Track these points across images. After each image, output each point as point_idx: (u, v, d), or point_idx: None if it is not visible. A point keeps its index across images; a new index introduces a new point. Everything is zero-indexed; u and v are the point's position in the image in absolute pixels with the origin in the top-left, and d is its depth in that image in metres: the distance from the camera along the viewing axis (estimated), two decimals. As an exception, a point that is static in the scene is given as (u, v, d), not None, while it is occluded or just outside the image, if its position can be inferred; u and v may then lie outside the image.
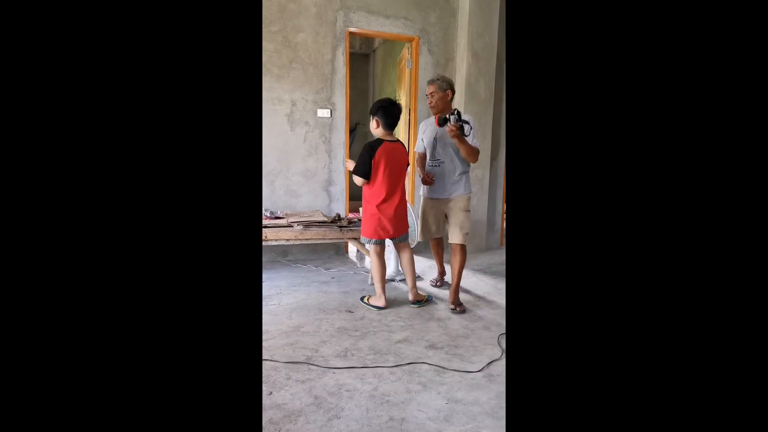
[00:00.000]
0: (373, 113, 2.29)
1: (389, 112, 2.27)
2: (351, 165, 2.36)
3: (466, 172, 2.45)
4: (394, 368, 1.70)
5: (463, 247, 2.44)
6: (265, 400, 1.44)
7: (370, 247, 2.38)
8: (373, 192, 2.29)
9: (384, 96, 5.51)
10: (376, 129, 2.30)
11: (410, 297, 2.42)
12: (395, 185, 2.33)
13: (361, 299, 2.45)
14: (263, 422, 1.32)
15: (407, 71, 3.63)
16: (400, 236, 2.39)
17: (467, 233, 2.46)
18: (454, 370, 1.69)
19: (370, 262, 2.42)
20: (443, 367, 1.71)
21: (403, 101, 3.87)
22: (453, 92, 2.44)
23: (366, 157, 2.25)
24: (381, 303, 2.36)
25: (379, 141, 2.27)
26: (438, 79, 2.42)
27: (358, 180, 2.29)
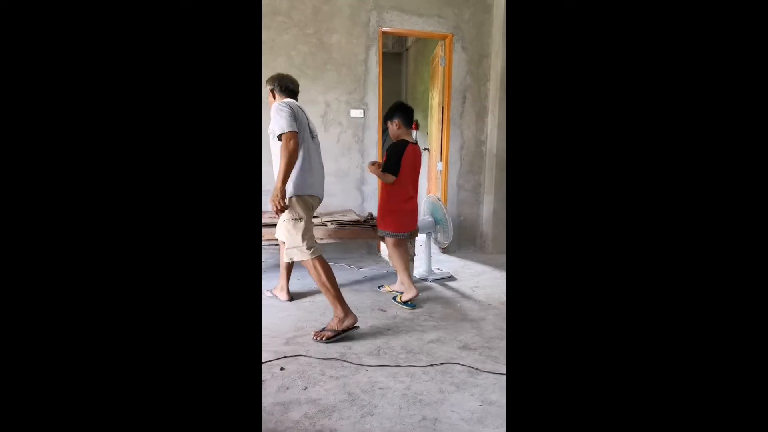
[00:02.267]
0: (391, 116, 2.42)
1: (406, 109, 2.43)
2: (374, 169, 2.43)
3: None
4: (427, 368, 1.69)
5: (307, 263, 1.95)
6: (301, 395, 1.48)
7: (392, 240, 2.42)
8: (400, 190, 2.40)
9: (416, 94, 5.50)
10: (397, 130, 2.43)
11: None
12: (416, 184, 2.48)
13: (393, 299, 2.46)
14: (299, 416, 1.36)
15: (440, 69, 3.60)
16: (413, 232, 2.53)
17: (291, 249, 1.95)
18: (488, 372, 1.67)
19: (392, 254, 2.45)
20: (477, 369, 1.69)
21: (436, 100, 3.85)
22: (276, 89, 2.05)
23: (395, 157, 2.36)
24: (412, 293, 2.37)
25: (405, 142, 2.39)
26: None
27: (387, 178, 2.37)
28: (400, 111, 2.41)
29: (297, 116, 1.91)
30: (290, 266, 2.44)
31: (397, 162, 2.35)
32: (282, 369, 1.65)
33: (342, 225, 2.81)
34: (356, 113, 3.30)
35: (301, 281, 2.79)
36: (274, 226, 2.75)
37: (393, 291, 2.59)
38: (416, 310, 2.32)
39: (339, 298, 1.96)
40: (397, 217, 2.41)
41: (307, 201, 1.99)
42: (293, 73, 3.16)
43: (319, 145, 2.13)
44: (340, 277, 2.91)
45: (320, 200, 2.10)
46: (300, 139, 1.91)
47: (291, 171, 1.87)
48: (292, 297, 2.46)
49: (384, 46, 3.42)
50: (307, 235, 1.96)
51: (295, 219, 1.95)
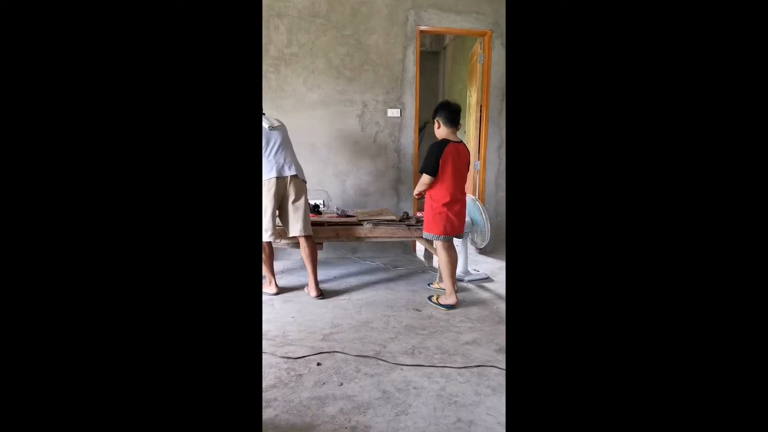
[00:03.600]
0: (434, 115, 2.38)
1: (448, 108, 2.34)
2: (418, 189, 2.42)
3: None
4: (462, 369, 1.67)
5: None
6: (336, 390, 1.50)
7: (438, 243, 2.37)
8: (441, 192, 2.31)
9: (454, 93, 5.44)
10: (438, 129, 2.37)
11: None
12: (461, 185, 2.36)
13: (429, 298, 2.44)
14: (334, 411, 1.38)
15: (479, 66, 3.54)
16: (457, 235, 2.44)
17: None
18: (526, 377, 1.63)
19: (441, 259, 2.40)
20: (514, 373, 1.66)
21: (474, 98, 3.79)
22: None
23: (433, 157, 2.28)
24: (452, 301, 2.33)
25: (445, 141, 2.31)
26: None
27: (425, 179, 2.30)
28: (441, 110, 2.34)
29: None
30: (315, 263, 2.49)
31: (435, 162, 2.26)
32: (318, 364, 1.69)
33: (378, 224, 2.82)
34: (393, 113, 3.31)
35: (338, 280, 2.84)
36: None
37: (440, 287, 2.58)
38: (452, 311, 2.30)
39: (270, 270, 2.52)
40: (442, 220, 2.32)
41: (266, 185, 2.38)
42: (331, 74, 3.24)
43: (282, 132, 2.48)
44: (376, 275, 2.94)
45: (290, 176, 2.42)
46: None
47: None
48: (322, 293, 2.49)
49: (421, 44, 3.41)
50: (265, 218, 2.37)
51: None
